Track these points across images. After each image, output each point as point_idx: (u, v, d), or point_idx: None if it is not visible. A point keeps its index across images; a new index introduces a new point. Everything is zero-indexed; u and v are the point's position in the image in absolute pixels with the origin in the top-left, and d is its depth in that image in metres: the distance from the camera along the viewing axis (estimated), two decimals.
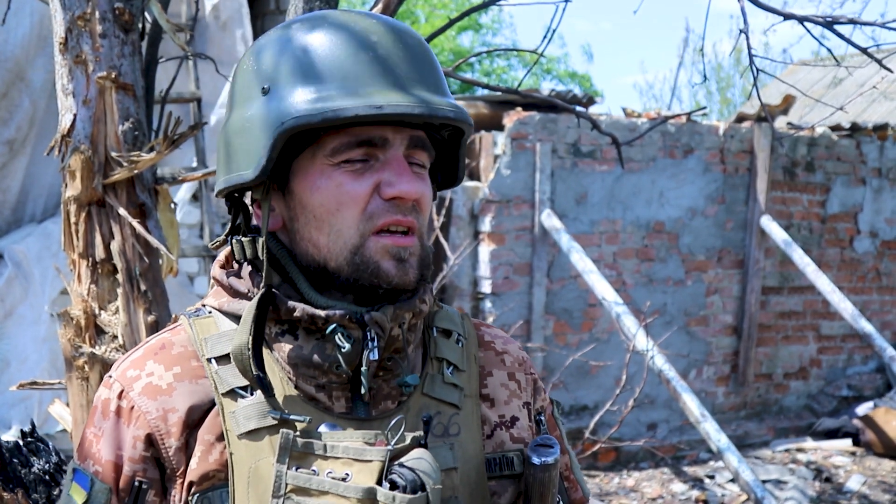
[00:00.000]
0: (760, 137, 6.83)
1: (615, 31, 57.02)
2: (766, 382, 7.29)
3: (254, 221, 1.22)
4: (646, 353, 5.18)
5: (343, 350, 1.11)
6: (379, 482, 1.05)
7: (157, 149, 2.69)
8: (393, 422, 1.08)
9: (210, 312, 1.20)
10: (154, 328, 2.75)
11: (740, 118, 7.23)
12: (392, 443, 1.07)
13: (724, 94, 17.94)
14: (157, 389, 1.13)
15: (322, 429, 1.10)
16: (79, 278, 2.75)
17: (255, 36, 6.45)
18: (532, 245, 6.23)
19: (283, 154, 1.13)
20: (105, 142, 2.69)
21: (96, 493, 1.14)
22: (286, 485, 1.06)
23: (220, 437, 1.11)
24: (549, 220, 6.10)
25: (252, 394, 1.12)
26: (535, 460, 1.16)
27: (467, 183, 6.17)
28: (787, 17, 2.99)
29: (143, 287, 2.75)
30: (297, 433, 1.08)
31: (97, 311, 2.75)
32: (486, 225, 6.12)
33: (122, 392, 1.15)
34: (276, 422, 1.10)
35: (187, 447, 1.12)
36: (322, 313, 1.11)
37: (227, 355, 1.15)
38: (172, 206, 2.97)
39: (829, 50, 3.16)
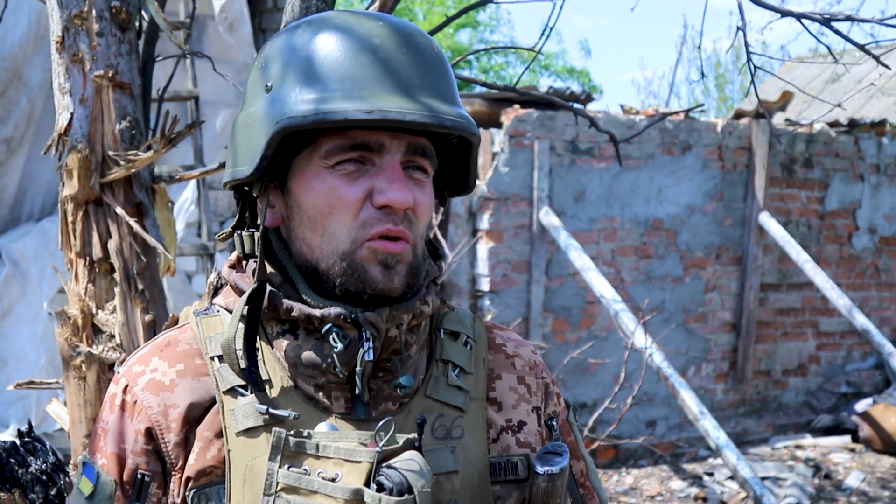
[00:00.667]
0: (758, 134, 6.83)
1: (613, 28, 57.02)
2: (764, 379, 7.30)
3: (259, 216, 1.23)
4: (644, 351, 5.18)
5: (336, 350, 1.11)
6: (367, 483, 1.05)
7: (154, 147, 2.69)
8: (381, 423, 1.08)
9: (218, 311, 1.22)
10: (152, 327, 2.75)
11: (738, 115, 7.23)
12: (381, 444, 1.07)
13: (723, 91, 17.95)
14: (160, 385, 1.15)
15: (321, 428, 1.11)
16: (76, 277, 2.75)
17: (255, 35, 6.45)
18: (530, 242, 6.23)
19: (284, 152, 1.13)
20: (102, 140, 2.69)
21: (102, 485, 1.16)
22: (277, 483, 1.07)
23: (219, 434, 1.12)
24: (547, 217, 6.10)
25: (252, 392, 1.13)
26: (539, 469, 1.14)
27: None
28: (785, 13, 2.99)
29: (140, 286, 2.75)
30: (291, 432, 1.08)
31: (94, 311, 2.75)
32: (484, 222, 6.12)
33: (126, 387, 1.17)
34: (265, 416, 1.11)
35: (186, 443, 1.13)
36: (318, 313, 1.12)
37: None
38: (170, 204, 2.97)
39: (826, 47, 3.16)
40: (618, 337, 6.31)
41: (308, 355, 1.13)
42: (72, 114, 2.66)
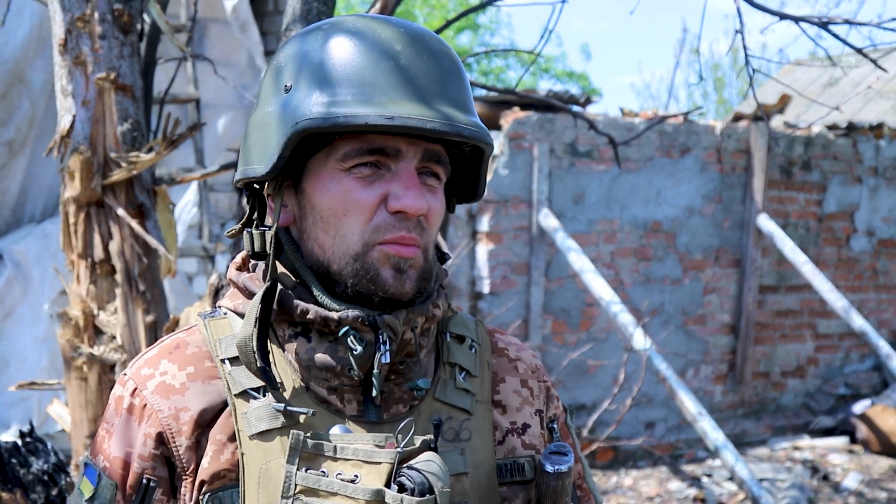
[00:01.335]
0: (757, 137, 6.84)
1: (612, 31, 57.02)
2: (763, 381, 7.31)
3: (269, 215, 1.22)
4: (643, 352, 5.19)
5: (355, 353, 1.11)
6: (387, 484, 1.05)
7: (155, 149, 2.70)
8: (402, 424, 1.09)
9: (225, 314, 1.21)
10: (153, 328, 2.76)
11: (737, 117, 7.24)
12: (401, 445, 1.07)
13: (721, 94, 17.96)
14: (170, 388, 1.14)
15: (334, 431, 1.11)
16: (77, 279, 2.76)
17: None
18: (530, 245, 6.24)
19: (300, 152, 1.14)
20: (104, 142, 2.70)
21: (102, 488, 1.15)
22: (295, 485, 1.07)
23: (232, 438, 1.11)
24: (546, 219, 6.11)
25: (264, 395, 1.13)
26: (549, 468, 1.15)
27: None
28: (783, 17, 3.01)
29: (141, 287, 2.76)
30: (308, 434, 1.08)
31: (96, 312, 2.76)
32: (483, 225, 6.13)
33: (135, 390, 1.15)
34: (281, 415, 1.11)
35: (198, 447, 1.12)
36: (335, 315, 1.11)
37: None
38: (171, 206, 2.98)
39: (825, 50, 3.18)
40: (617, 338, 6.33)
41: (322, 357, 1.13)
42: (74, 116, 2.67)
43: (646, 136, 6.45)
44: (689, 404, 5.12)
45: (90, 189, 2.69)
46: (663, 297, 6.75)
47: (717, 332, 7.03)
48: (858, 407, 6.96)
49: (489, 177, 6.09)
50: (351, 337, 1.11)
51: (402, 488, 1.05)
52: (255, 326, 1.11)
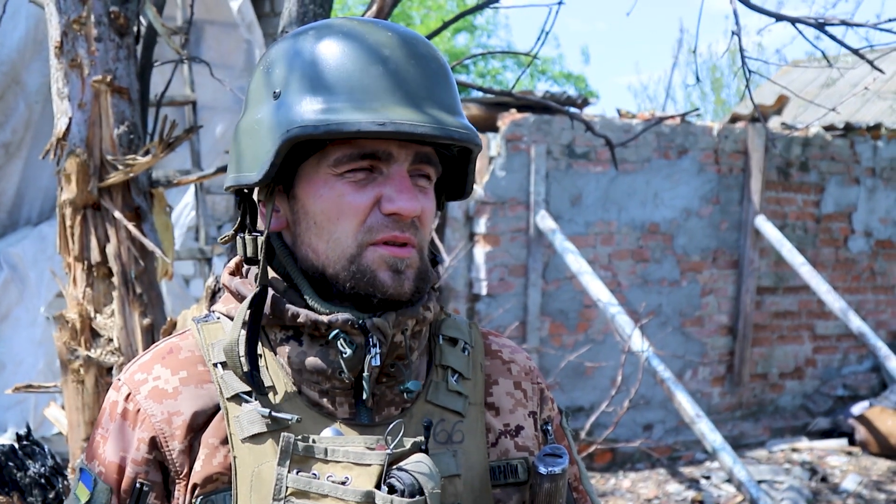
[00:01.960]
0: (754, 138, 6.85)
1: (610, 32, 57.09)
2: (761, 382, 7.31)
3: (261, 221, 1.22)
4: (641, 354, 5.19)
5: (345, 356, 1.12)
6: (378, 486, 1.06)
7: (152, 152, 2.70)
8: (392, 426, 1.09)
9: (218, 318, 1.22)
10: (150, 331, 2.75)
11: (734, 118, 7.25)
12: (391, 447, 1.08)
13: (719, 95, 17.98)
14: (163, 393, 1.15)
15: (326, 433, 1.12)
16: (74, 281, 2.76)
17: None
18: (527, 246, 6.24)
19: (291, 158, 1.14)
20: (100, 145, 2.70)
21: (98, 492, 1.16)
22: (286, 488, 1.07)
23: (225, 441, 1.12)
24: (543, 221, 6.11)
25: (256, 399, 1.13)
26: (542, 470, 1.16)
27: None
28: (780, 18, 3.01)
29: (138, 290, 2.76)
30: (299, 437, 1.09)
31: (92, 315, 2.76)
32: (481, 226, 6.13)
33: (129, 395, 1.16)
34: (267, 420, 1.11)
35: (191, 450, 1.13)
36: (325, 319, 1.12)
37: None
38: (167, 209, 2.98)
39: (821, 52, 3.17)
40: (615, 340, 6.33)
41: (313, 361, 1.14)
42: (70, 118, 2.67)
43: (643, 138, 6.45)
44: (687, 406, 5.12)
45: (86, 192, 2.69)
46: (661, 299, 6.75)
47: (715, 334, 7.03)
48: (857, 408, 6.96)
49: (486, 178, 6.09)
50: (341, 340, 1.12)
51: (391, 489, 1.06)
52: (241, 331, 1.12)
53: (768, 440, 7.03)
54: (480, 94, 7.52)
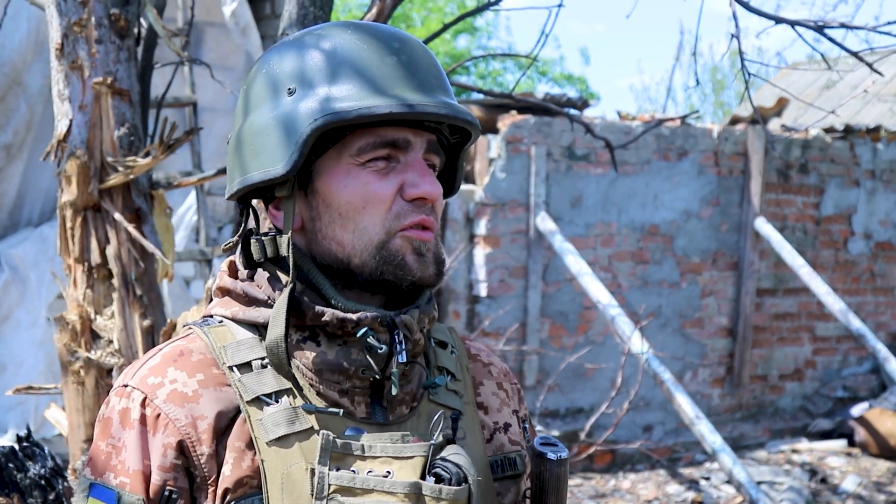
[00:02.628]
0: (754, 140, 6.85)
1: (610, 33, 57.10)
2: (761, 384, 7.31)
3: (266, 225, 1.23)
4: (641, 356, 5.19)
5: (380, 352, 1.13)
6: (423, 477, 1.08)
7: (152, 154, 2.70)
8: (435, 417, 1.12)
9: (221, 321, 1.20)
10: (150, 333, 2.76)
11: (734, 120, 7.26)
12: (434, 438, 1.10)
13: (719, 97, 17.99)
14: (184, 396, 1.12)
15: (349, 433, 1.12)
16: (74, 283, 2.76)
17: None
18: (527, 248, 6.24)
19: (308, 154, 1.14)
20: (101, 147, 2.70)
21: None
22: (329, 486, 1.07)
23: (249, 445, 1.11)
24: (543, 223, 6.12)
25: (278, 401, 1.13)
26: (552, 456, 1.19)
27: (462, 186, 6.17)
28: (779, 21, 3.01)
29: (138, 292, 2.76)
30: (336, 435, 1.10)
31: (93, 316, 2.76)
32: (481, 228, 6.13)
33: (145, 399, 1.12)
34: (297, 420, 1.11)
35: (217, 455, 1.11)
36: (353, 317, 1.13)
37: (248, 363, 1.15)
38: (168, 210, 2.98)
39: (821, 54, 3.18)
40: (614, 342, 6.33)
41: (334, 360, 1.14)
42: (71, 120, 2.67)
43: (643, 140, 6.45)
44: (687, 407, 5.12)
45: (87, 193, 2.69)
46: (661, 301, 6.75)
47: (715, 336, 7.04)
48: (856, 410, 6.96)
49: (486, 180, 6.10)
50: (370, 337, 1.13)
51: (438, 479, 1.08)
52: (283, 325, 1.12)
53: (768, 441, 7.03)
54: (481, 95, 7.53)
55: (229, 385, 1.14)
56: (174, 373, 1.14)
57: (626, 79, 51.98)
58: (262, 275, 1.20)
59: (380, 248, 1.14)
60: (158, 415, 1.11)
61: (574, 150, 6.32)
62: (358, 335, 1.13)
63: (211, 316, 1.23)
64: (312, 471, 1.08)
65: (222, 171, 3.27)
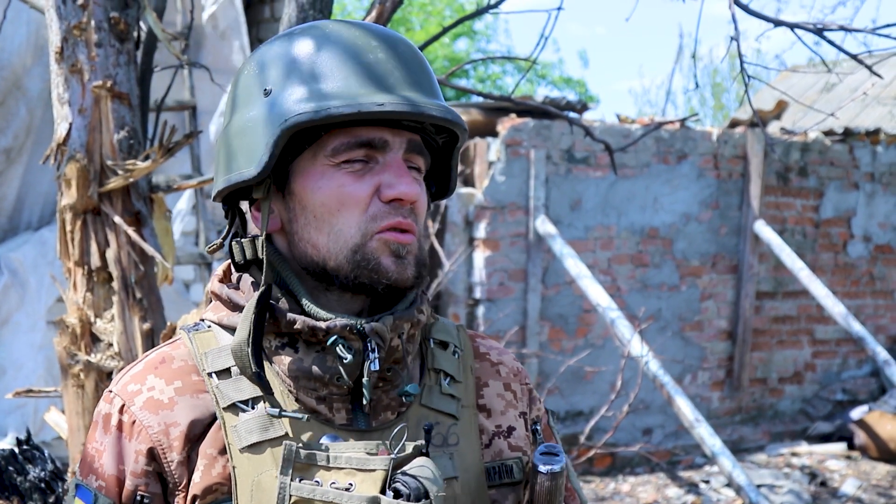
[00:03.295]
0: (754, 143, 6.85)
1: (610, 36, 57.13)
2: (760, 387, 7.31)
3: (251, 226, 1.21)
4: (641, 359, 5.19)
5: (345, 361, 1.11)
6: (383, 491, 1.06)
7: (152, 157, 2.70)
8: (395, 430, 1.09)
9: (209, 327, 1.20)
10: (150, 336, 2.76)
11: (734, 123, 7.26)
12: (395, 452, 1.08)
13: (719, 100, 17.98)
14: (159, 404, 1.13)
15: (324, 441, 1.11)
16: (74, 286, 2.76)
17: (252, 44, 6.47)
18: (527, 251, 6.25)
19: (283, 155, 1.14)
20: (100, 150, 2.70)
21: None
22: (290, 496, 1.06)
23: (223, 451, 1.11)
24: (543, 226, 6.12)
25: (253, 407, 1.12)
26: (542, 469, 1.15)
27: (462, 190, 6.19)
28: (779, 24, 3.02)
29: (138, 295, 2.76)
30: (300, 445, 1.08)
31: (93, 319, 2.76)
32: (480, 231, 6.13)
33: (123, 406, 1.15)
34: (271, 427, 1.11)
35: (189, 461, 1.12)
36: (323, 325, 1.11)
37: (228, 369, 1.15)
38: (168, 214, 2.98)
39: (820, 57, 3.18)
40: (614, 345, 6.33)
41: (310, 367, 1.13)
42: (70, 124, 2.67)
43: (642, 143, 6.46)
44: (687, 410, 5.12)
45: (87, 197, 2.69)
46: (660, 304, 6.75)
47: (715, 339, 7.04)
48: (856, 413, 6.96)
49: (485, 183, 6.10)
50: (340, 346, 1.11)
51: (397, 494, 1.05)
52: (249, 329, 1.11)
53: (768, 444, 7.03)
54: (480, 99, 7.53)
55: (207, 392, 1.14)
56: (153, 380, 1.15)
57: (626, 82, 52.00)
58: (246, 279, 1.20)
59: (355, 252, 1.12)
60: (133, 421, 1.14)
61: (573, 153, 6.32)
62: (329, 343, 1.12)
63: (203, 320, 1.23)
64: None
65: None
